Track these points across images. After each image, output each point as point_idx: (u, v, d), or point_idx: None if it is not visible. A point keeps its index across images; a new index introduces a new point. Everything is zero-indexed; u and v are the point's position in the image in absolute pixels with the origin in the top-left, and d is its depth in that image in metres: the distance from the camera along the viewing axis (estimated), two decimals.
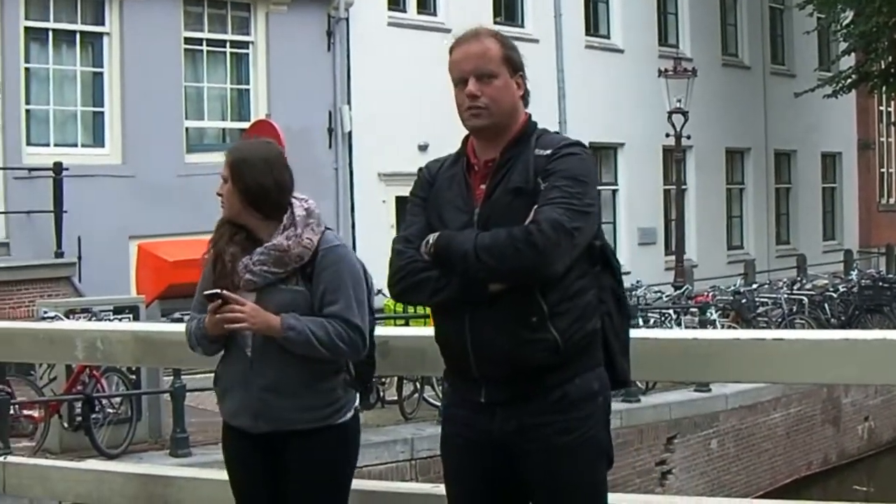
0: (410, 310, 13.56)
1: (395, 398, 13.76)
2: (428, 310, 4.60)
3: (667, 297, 21.20)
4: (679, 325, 18.15)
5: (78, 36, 18.14)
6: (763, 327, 18.99)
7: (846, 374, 4.64)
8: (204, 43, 19.69)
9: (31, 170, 16.93)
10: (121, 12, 18.21)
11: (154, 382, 12.34)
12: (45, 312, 11.55)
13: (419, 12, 22.89)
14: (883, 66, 28.41)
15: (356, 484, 4.78)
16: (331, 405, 4.54)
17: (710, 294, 21.13)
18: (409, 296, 4.12)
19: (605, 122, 25.61)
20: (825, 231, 34.81)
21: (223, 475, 4.91)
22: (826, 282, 23.95)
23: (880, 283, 23.20)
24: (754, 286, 22.59)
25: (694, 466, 16.42)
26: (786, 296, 21.39)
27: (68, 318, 11.37)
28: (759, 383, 15.48)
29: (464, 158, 4.12)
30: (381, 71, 21.34)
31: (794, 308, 20.87)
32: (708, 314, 18.42)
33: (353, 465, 4.68)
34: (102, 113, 18.32)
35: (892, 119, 37.05)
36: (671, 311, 18.94)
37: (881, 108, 37.11)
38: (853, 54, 29.36)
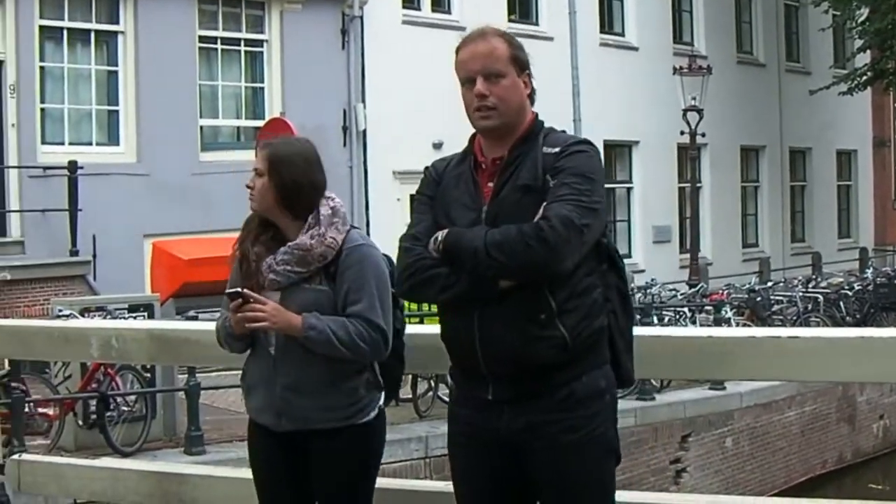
0: (425, 307, 13.56)
1: (410, 396, 13.75)
2: None
3: (681, 295, 21.18)
4: (694, 323, 18.13)
5: (93, 35, 18.17)
6: (778, 325, 18.97)
7: (861, 372, 4.63)
8: (218, 41, 19.72)
9: (46, 168, 16.98)
10: (135, 11, 18.23)
11: (169, 380, 12.35)
12: (60, 311, 11.56)
13: (433, 10, 22.88)
14: None
15: None
16: (353, 405, 4.53)
17: (725, 292, 21.12)
18: (417, 293, 4.13)
19: (619, 119, 25.59)
20: (840, 229, 34.73)
21: (238, 473, 4.92)
22: (841, 280, 23.88)
23: (895, 281, 23.12)
24: (769, 284, 22.52)
25: (708, 465, 16.38)
26: (801, 294, 21.35)
27: (83, 316, 11.39)
28: (774, 381, 15.47)
29: (471, 157, 4.13)
30: (395, 69, 21.34)
31: (810, 306, 20.83)
32: (723, 312, 18.39)
33: (376, 464, 4.68)
34: (117, 111, 18.36)
35: None
36: (686, 310, 18.92)
37: None
38: (868, 51, 29.25)
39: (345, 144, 20.71)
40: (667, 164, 27.57)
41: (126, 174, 17.92)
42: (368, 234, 20.00)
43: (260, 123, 19.02)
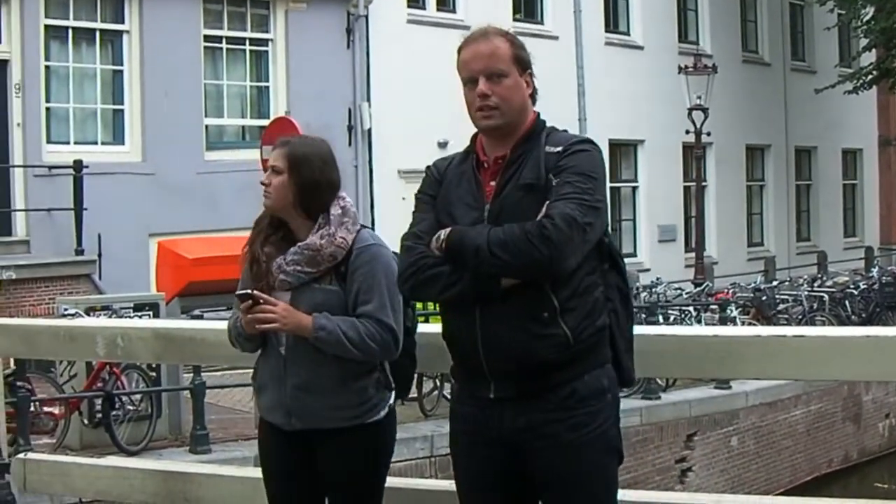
0: (430, 307, 13.55)
1: (415, 395, 13.73)
2: None
3: (687, 294, 21.18)
4: (699, 322, 18.12)
5: (98, 34, 18.20)
6: (783, 324, 18.93)
7: (867, 371, 4.62)
8: (223, 41, 19.74)
9: (51, 167, 16.99)
10: (140, 10, 18.25)
11: (174, 379, 12.36)
12: (66, 310, 11.57)
13: (439, 9, 22.89)
14: None
15: None
16: (363, 404, 4.54)
17: (731, 291, 21.11)
18: (419, 292, 4.12)
19: (624, 119, 25.59)
20: (846, 228, 34.70)
21: (243, 472, 4.93)
22: (847, 279, 23.86)
23: None
24: (775, 283, 22.50)
25: (714, 464, 16.38)
26: (806, 293, 21.33)
27: (89, 315, 11.39)
28: (780, 380, 15.45)
29: (473, 155, 4.13)
30: (400, 68, 21.35)
31: (815, 305, 20.81)
32: (728, 311, 18.38)
33: (386, 462, 4.69)
34: (122, 111, 18.38)
35: None
36: (691, 309, 18.92)
37: None
38: (874, 50, 29.22)
39: (350, 143, 20.72)
40: (672, 164, 27.54)
41: (131, 173, 17.94)
42: None
43: (265, 123, 18.98)
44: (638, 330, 4.21)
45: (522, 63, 4.07)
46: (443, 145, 20.33)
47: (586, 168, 3.92)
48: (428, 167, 4.26)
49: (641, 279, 22.37)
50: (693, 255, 24.82)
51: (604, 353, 4.01)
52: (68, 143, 17.77)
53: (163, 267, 16.03)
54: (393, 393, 4.66)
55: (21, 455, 6.52)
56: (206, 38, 19.33)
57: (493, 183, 4.03)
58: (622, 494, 4.17)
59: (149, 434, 11.65)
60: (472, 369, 4.02)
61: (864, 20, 28.09)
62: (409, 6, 22.33)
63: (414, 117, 21.12)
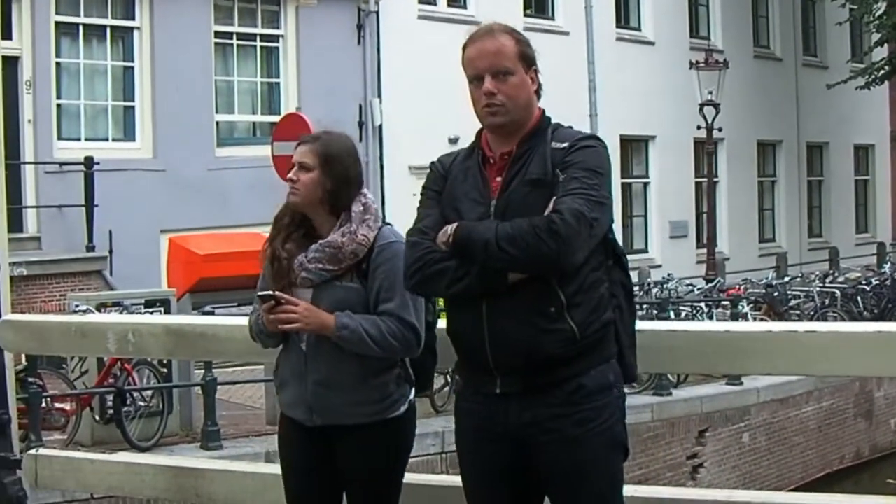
0: (440, 303, 13.54)
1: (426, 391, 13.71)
2: None
3: (698, 290, 21.15)
4: (711, 318, 18.12)
5: (108, 30, 18.21)
6: (795, 321, 18.90)
7: (879, 367, 4.62)
8: (234, 37, 19.74)
9: (62, 164, 17.03)
10: (151, 7, 18.26)
11: (185, 375, 12.37)
12: (77, 306, 11.59)
13: (449, 5, 22.86)
14: None
15: None
16: (383, 400, 4.56)
17: (742, 287, 21.06)
18: (425, 287, 4.13)
19: (636, 114, 25.54)
20: (858, 224, 34.61)
21: (254, 467, 4.93)
22: (859, 275, 23.81)
23: None
24: (786, 279, 22.48)
25: (725, 460, 16.36)
26: (818, 289, 21.28)
27: (100, 311, 11.39)
28: (792, 376, 15.43)
29: (478, 151, 4.13)
30: (411, 64, 21.34)
31: (827, 301, 20.76)
32: (740, 307, 18.35)
33: (405, 458, 4.70)
34: (133, 107, 18.40)
35: None
36: (703, 305, 18.91)
37: None
38: (886, 45, 29.16)
39: (361, 140, 20.70)
40: (683, 159, 27.50)
41: (142, 170, 17.96)
42: None
43: (276, 119, 18.97)
44: (649, 326, 4.22)
45: (528, 60, 4.08)
46: (454, 141, 20.29)
47: (593, 164, 3.94)
48: (432, 163, 4.27)
49: (653, 275, 22.35)
50: (704, 251, 24.76)
51: (609, 348, 4.02)
52: (79, 139, 17.79)
53: (174, 263, 16.04)
54: (413, 388, 4.67)
55: (32, 451, 6.53)
56: (217, 34, 19.34)
57: (498, 179, 4.03)
58: (634, 491, 4.17)
59: (160, 430, 11.67)
60: (478, 365, 4.03)
61: (877, 15, 28.02)
62: (419, 2, 22.31)
63: (425, 113, 21.10)
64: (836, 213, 33.32)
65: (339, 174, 4.56)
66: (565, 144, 3.98)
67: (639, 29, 27.14)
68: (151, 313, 11.81)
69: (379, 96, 21.16)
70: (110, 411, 11.48)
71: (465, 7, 22.96)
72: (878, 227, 34.93)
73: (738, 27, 29.49)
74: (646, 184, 27.16)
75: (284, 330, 4.49)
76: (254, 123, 20.31)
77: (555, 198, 3.86)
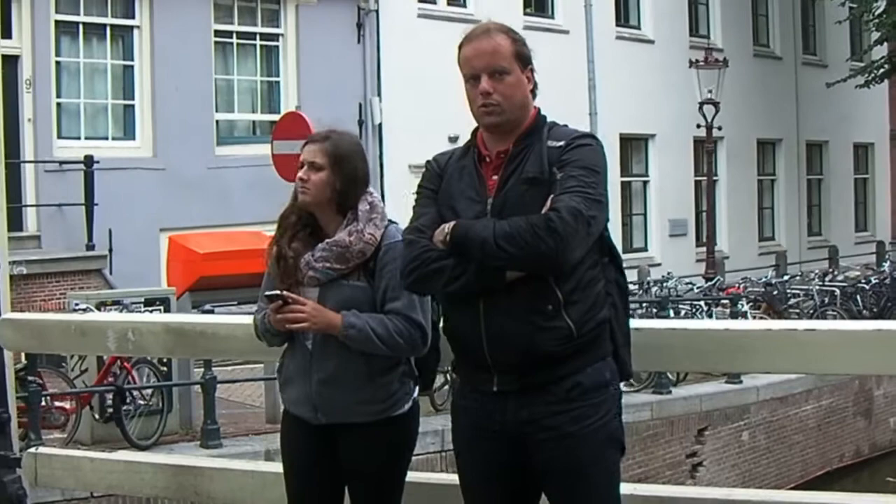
0: None
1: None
2: None
3: (698, 288, 21.16)
4: (710, 316, 18.11)
5: (108, 29, 18.21)
6: (795, 319, 18.90)
7: (878, 365, 4.62)
8: (234, 35, 19.75)
9: (62, 163, 17.03)
10: (151, 5, 18.26)
11: (185, 374, 12.38)
12: (77, 305, 11.59)
13: (449, 4, 22.84)
14: None
15: None
16: (388, 398, 4.56)
17: (742, 286, 21.07)
18: (422, 285, 4.13)
19: (635, 113, 25.54)
20: (857, 222, 34.63)
21: (253, 466, 4.93)
22: (858, 273, 23.83)
23: None
24: (786, 278, 22.48)
25: (725, 459, 16.37)
26: (817, 287, 21.27)
27: (99, 310, 11.40)
28: (791, 374, 15.43)
29: (474, 150, 4.14)
30: (410, 63, 21.33)
31: (826, 300, 20.75)
32: (739, 306, 18.33)
33: (408, 456, 4.71)
34: (133, 106, 18.40)
35: None
36: (702, 303, 18.89)
37: None
38: (885, 44, 29.16)
39: (360, 138, 20.68)
40: (683, 158, 27.50)
41: (142, 168, 17.97)
42: None
43: (276, 118, 18.96)
44: (649, 324, 4.22)
45: (524, 59, 4.09)
46: (453, 140, 20.26)
47: (589, 162, 3.95)
48: (428, 161, 4.28)
49: (652, 274, 22.35)
50: (704, 249, 24.76)
51: (605, 346, 4.03)
52: (79, 138, 17.79)
53: (174, 262, 16.03)
54: (417, 385, 4.67)
55: (32, 450, 6.52)
56: (217, 33, 19.34)
57: (495, 177, 4.05)
58: (633, 489, 4.17)
59: (160, 428, 11.68)
60: (476, 363, 4.04)
61: (876, 13, 28.03)
62: (419, 1, 22.30)
63: (424, 112, 21.09)
64: (836, 211, 33.33)
65: (349, 173, 4.58)
66: (561, 143, 3.99)
67: (638, 27, 27.13)
68: (151, 312, 11.81)
69: (379, 95, 21.16)
70: (110, 410, 11.49)
71: (464, 6, 22.95)
72: (878, 226, 34.94)
73: (738, 26, 29.49)
74: (645, 182, 27.16)
75: (292, 329, 4.50)
76: (254, 122, 20.31)
77: (552, 196, 3.87)
